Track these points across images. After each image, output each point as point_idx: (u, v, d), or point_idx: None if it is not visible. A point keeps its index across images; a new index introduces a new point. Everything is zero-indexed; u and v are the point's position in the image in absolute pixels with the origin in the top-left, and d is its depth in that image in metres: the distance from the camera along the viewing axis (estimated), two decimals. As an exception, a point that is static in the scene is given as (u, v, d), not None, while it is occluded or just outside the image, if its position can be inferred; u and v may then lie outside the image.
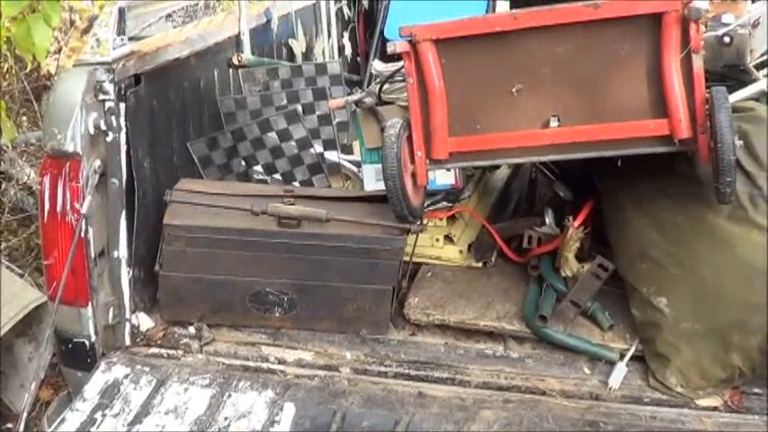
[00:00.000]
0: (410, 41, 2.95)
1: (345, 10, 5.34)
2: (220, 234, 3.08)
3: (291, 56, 4.59)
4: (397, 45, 2.97)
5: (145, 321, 3.21)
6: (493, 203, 3.83)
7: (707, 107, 2.79)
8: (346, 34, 5.27)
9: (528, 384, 2.99)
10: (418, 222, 3.16)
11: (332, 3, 5.03)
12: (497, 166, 3.90)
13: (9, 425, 3.94)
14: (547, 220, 3.49)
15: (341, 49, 5.13)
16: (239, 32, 3.98)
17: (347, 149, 3.89)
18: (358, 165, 3.76)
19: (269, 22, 4.35)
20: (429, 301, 3.27)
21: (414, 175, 3.07)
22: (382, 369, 3.07)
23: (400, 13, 5.29)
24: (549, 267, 3.34)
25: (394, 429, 2.77)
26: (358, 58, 5.42)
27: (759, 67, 3.37)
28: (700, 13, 2.73)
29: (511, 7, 5.07)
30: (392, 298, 3.19)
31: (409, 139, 3.05)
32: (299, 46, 4.61)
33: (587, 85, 2.89)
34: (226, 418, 2.81)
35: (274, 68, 3.97)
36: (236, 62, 3.87)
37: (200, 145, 3.62)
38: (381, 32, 5.21)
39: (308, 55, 4.72)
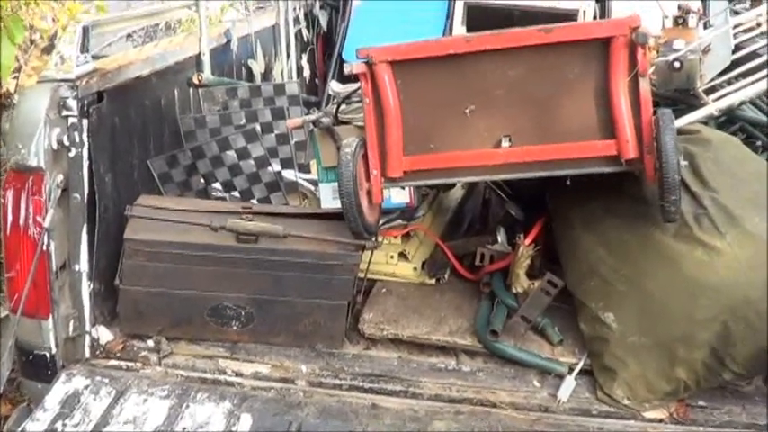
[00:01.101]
0: (367, 63, 3.05)
1: (304, 32, 5.43)
2: (180, 249, 3.14)
3: (251, 76, 4.66)
4: (353, 66, 3.06)
5: (104, 334, 3.26)
6: (447, 222, 3.92)
7: (653, 129, 2.90)
8: (305, 56, 5.35)
9: (479, 397, 3.07)
10: (373, 239, 3.23)
11: (291, 25, 5.11)
12: (451, 186, 4.00)
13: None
14: (499, 238, 3.59)
15: (299, 70, 5.21)
16: (200, 52, 4.04)
17: (304, 168, 3.96)
18: (315, 183, 3.83)
19: (229, 42, 4.42)
20: (383, 317, 3.35)
21: (369, 193, 3.15)
22: (337, 382, 3.13)
23: (358, 36, 5.41)
24: (500, 284, 3.43)
25: (348, 440, 2.84)
26: (316, 80, 5.53)
27: (708, 91, 3.50)
28: (646, 38, 2.86)
29: (468, 32, 5.22)
30: (347, 313, 3.26)
31: (365, 157, 3.14)
32: (258, 67, 4.68)
33: (538, 107, 3.01)
34: (184, 429, 2.87)
35: (234, 88, 4.04)
36: (196, 81, 3.93)
37: (161, 162, 3.67)
38: (339, 54, 5.32)
39: (267, 76, 4.80)
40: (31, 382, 3.23)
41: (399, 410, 3.00)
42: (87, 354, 3.21)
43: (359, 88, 3.49)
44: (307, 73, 5.31)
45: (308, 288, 3.19)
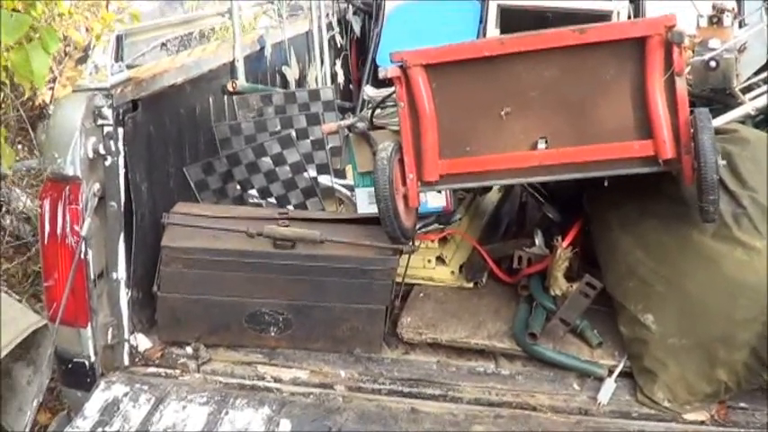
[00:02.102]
0: (401, 67, 3.04)
1: (338, 38, 5.44)
2: (217, 256, 3.15)
3: (285, 83, 4.67)
4: (388, 70, 3.05)
5: (143, 342, 3.27)
6: (484, 226, 3.90)
7: (691, 129, 2.87)
8: (338, 62, 5.35)
9: (518, 400, 3.05)
10: (410, 243, 3.22)
11: (324, 31, 5.11)
12: (488, 189, 3.98)
13: (9, 451, 3.96)
14: (536, 241, 3.56)
15: (333, 76, 5.21)
16: (234, 59, 4.05)
17: (340, 174, 3.96)
18: (351, 189, 3.84)
19: (262, 49, 4.43)
20: (421, 321, 3.34)
21: (405, 197, 3.14)
22: (376, 386, 3.12)
23: (392, 41, 5.39)
24: (538, 287, 3.41)
25: (388, 445, 2.83)
26: (350, 85, 5.52)
27: (745, 90, 3.46)
28: (682, 36, 2.83)
29: (502, 34, 5.19)
30: (385, 317, 3.25)
31: (401, 161, 3.13)
32: (292, 73, 4.69)
33: (574, 108, 2.99)
34: (223, 435, 2.87)
35: (268, 95, 4.05)
36: (230, 89, 3.95)
37: (197, 169, 3.69)
38: (374, 60, 5.31)
39: (300, 82, 4.81)
40: (71, 391, 3.25)
41: (438, 414, 2.98)
42: (126, 361, 3.22)
43: (393, 92, 3.50)
44: (341, 79, 5.31)
45: (346, 293, 3.18)
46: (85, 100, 3.01)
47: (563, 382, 3.14)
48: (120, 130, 3.08)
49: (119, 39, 3.14)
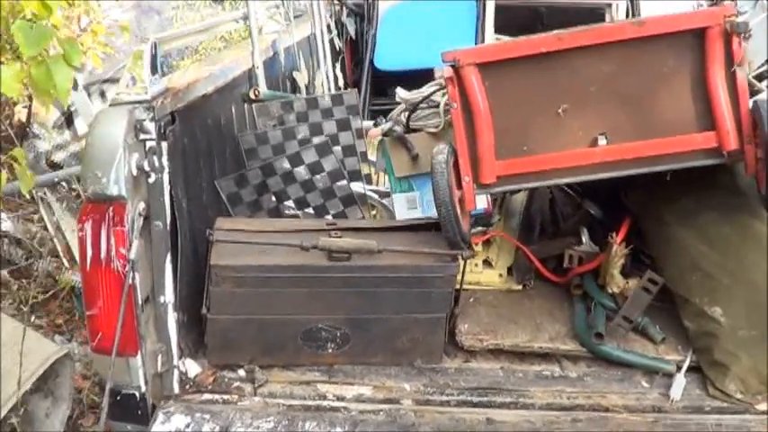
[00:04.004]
0: (453, 66, 2.94)
1: (336, 41, 5.32)
2: (270, 272, 3.00)
3: (294, 88, 4.54)
4: (444, 70, 2.96)
5: (192, 367, 3.10)
6: (519, 226, 3.80)
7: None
8: (338, 65, 5.23)
9: (591, 402, 2.98)
10: (468, 248, 3.12)
11: (326, 34, 4.99)
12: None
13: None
14: (583, 239, 3.49)
15: (335, 79, 5.09)
16: (253, 66, 3.91)
17: (369, 180, 3.85)
18: (383, 195, 3.73)
19: (276, 54, 4.29)
20: (479, 327, 3.24)
21: (461, 201, 3.05)
22: (444, 398, 3.01)
23: (387, 42, 5.32)
24: (594, 285, 3.35)
25: (471, 458, 2.73)
26: (347, 88, 5.39)
27: (758, 79, 3.44)
28: (745, 26, 2.78)
29: (497, 32, 5.15)
30: (446, 326, 3.15)
31: (455, 165, 3.03)
32: (302, 78, 4.56)
33: (634, 102, 2.92)
34: (299, 460, 2.74)
35: (289, 102, 3.89)
36: (252, 96, 3.80)
37: (229, 183, 3.54)
38: (371, 61, 5.22)
39: (309, 87, 4.68)
40: (120, 424, 3.04)
41: (516, 423, 2.89)
42: (177, 389, 3.05)
43: (431, 94, 3.41)
44: (341, 82, 5.18)
45: (406, 303, 3.06)
46: (126, 114, 2.82)
47: (632, 381, 3.09)
48: (164, 145, 2.91)
49: (154, 47, 2.96)
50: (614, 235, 3.28)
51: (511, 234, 3.67)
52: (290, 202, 3.64)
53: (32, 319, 4.82)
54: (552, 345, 3.17)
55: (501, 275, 3.57)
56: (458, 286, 3.21)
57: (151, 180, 2.91)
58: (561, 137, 2.97)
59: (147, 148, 2.89)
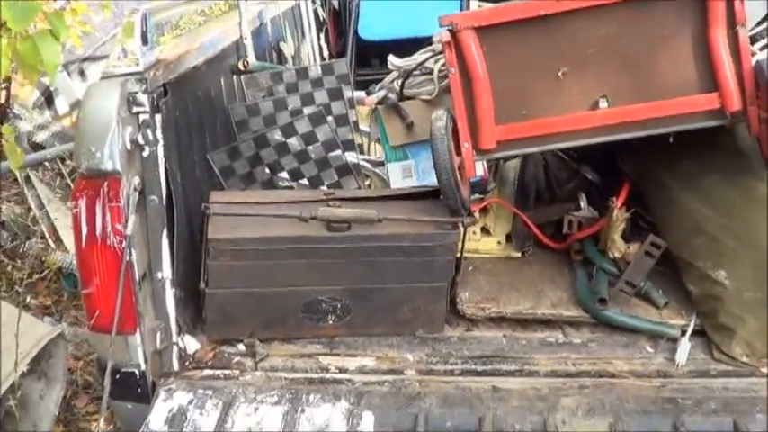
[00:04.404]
0: (450, 31, 2.89)
1: (320, 11, 5.24)
2: (269, 244, 2.94)
3: (280, 60, 4.46)
4: (442, 35, 2.91)
5: (191, 343, 3.05)
6: (514, 193, 3.76)
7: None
8: (322, 35, 5.15)
9: (596, 368, 2.96)
10: (470, 216, 3.08)
11: (309, 4, 4.90)
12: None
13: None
14: (582, 204, 3.46)
15: (320, 50, 5.02)
16: (241, 36, 3.83)
17: (362, 150, 3.79)
18: (378, 164, 3.68)
19: (262, 25, 4.21)
20: (480, 295, 3.21)
21: (461, 168, 3.00)
22: (448, 367, 2.98)
23: (372, 11, 5.24)
24: (595, 251, 3.32)
25: (480, 427, 2.69)
26: (332, 59, 5.33)
27: (751, 40, 3.40)
28: (745, -16, 2.74)
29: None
30: (447, 295, 3.11)
31: (455, 130, 2.99)
32: (288, 49, 4.48)
33: (635, 64, 2.87)
34: (305, 434, 2.70)
35: (278, 72, 3.81)
36: (241, 67, 3.73)
37: (221, 156, 3.47)
38: (355, 32, 5.15)
39: (295, 58, 4.60)
40: (120, 403, 2.99)
41: (522, 390, 2.85)
42: (176, 366, 2.99)
43: (426, 60, 3.36)
44: (326, 53, 5.11)
45: (407, 273, 3.02)
46: (119, 87, 2.74)
47: (636, 346, 3.06)
48: (158, 117, 2.85)
49: (145, 18, 2.88)
50: (614, 199, 3.24)
51: (509, 201, 3.63)
52: (284, 174, 3.58)
53: (28, 299, 4.75)
54: (555, 311, 3.14)
55: (499, 243, 3.54)
56: (458, 254, 3.16)
57: (145, 154, 2.85)
58: (561, 100, 2.93)
59: (140, 122, 2.81)
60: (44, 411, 3.73)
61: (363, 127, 3.82)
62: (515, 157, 3.51)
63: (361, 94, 3.76)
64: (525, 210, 3.59)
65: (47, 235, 5.31)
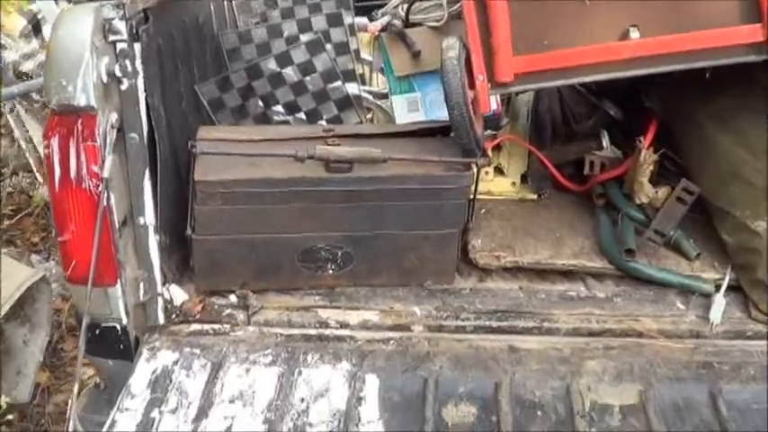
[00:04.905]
0: (464, -53, 2.58)
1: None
2: (262, 187, 2.65)
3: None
4: (453, -46, 2.60)
5: (178, 294, 2.79)
6: (528, 128, 3.47)
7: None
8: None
9: (622, 327, 2.69)
10: (483, 155, 2.79)
11: None
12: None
13: (10, 416, 3.57)
14: (604, 143, 3.18)
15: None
16: (229, -44, 3.52)
17: (363, 80, 3.50)
18: (380, 96, 3.41)
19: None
20: (494, 243, 2.94)
21: (474, 102, 2.71)
22: (460, 323, 2.71)
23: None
24: (620, 195, 3.05)
25: (496, 394, 2.43)
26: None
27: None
28: None
29: None
30: (458, 243, 2.84)
31: (467, 62, 2.68)
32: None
33: (670, -10, 2.56)
34: (302, 400, 2.42)
35: (273, -4, 3.52)
36: (233, -10, 3.42)
37: (210, 87, 3.18)
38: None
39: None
40: (101, 360, 2.77)
41: (542, 351, 2.60)
42: (162, 319, 2.74)
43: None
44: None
45: (414, 218, 2.75)
46: (93, 12, 2.44)
47: (665, 302, 2.80)
48: (137, 47, 2.54)
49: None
50: (642, 139, 2.95)
51: (523, 138, 3.34)
52: (278, 107, 3.29)
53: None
54: (577, 261, 2.87)
55: (514, 184, 3.28)
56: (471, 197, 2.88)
57: (123, 87, 2.55)
58: (587, 29, 2.62)
59: (117, 51, 2.52)
60: (29, 357, 3.53)
61: (365, 55, 3.54)
62: (536, 90, 3.21)
63: (363, 20, 3.45)
64: (541, 148, 3.30)
65: (34, 169, 5.06)
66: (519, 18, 2.62)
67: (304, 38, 3.36)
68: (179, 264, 2.85)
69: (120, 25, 2.49)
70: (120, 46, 2.51)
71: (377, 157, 2.66)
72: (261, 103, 3.30)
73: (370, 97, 3.44)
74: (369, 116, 3.43)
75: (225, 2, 3.52)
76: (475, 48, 2.66)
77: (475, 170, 2.78)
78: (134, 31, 2.54)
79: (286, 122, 3.30)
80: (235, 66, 3.32)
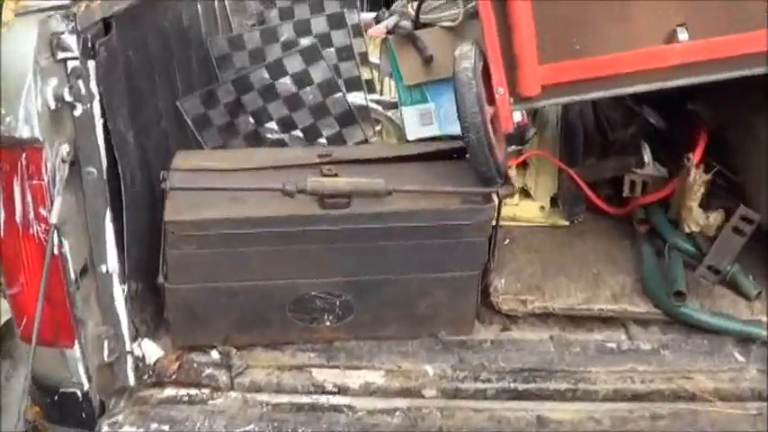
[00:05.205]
0: (481, -58, 2.23)
1: None
2: (243, 227, 2.30)
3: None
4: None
5: (151, 350, 2.43)
6: (557, 140, 3.05)
7: None
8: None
9: (672, 387, 2.32)
10: (506, 184, 2.40)
11: None
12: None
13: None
14: (645, 158, 2.78)
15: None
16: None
17: (370, 88, 3.16)
18: (391, 107, 3.08)
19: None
20: (520, 283, 2.59)
21: (493, 120, 2.33)
22: (480, 386, 2.33)
23: None
24: (665, 222, 2.71)
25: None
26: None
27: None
28: None
29: None
30: (478, 286, 2.48)
31: (485, 72, 2.31)
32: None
33: (725, -15, 2.18)
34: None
35: (270, -7, 3.18)
36: (224, -13, 3.08)
37: (194, 101, 2.84)
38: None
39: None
40: (61, 429, 2.44)
41: (576, 422, 2.23)
42: (132, 380, 2.37)
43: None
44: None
45: (425, 259, 2.39)
46: (37, 26, 2.06)
47: (722, 353, 2.43)
48: (91, 64, 2.17)
49: (72, -64, 2.19)
50: (690, 156, 2.56)
51: (552, 152, 2.94)
52: (272, 124, 2.95)
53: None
54: (617, 306, 2.51)
55: (543, 208, 2.92)
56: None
57: (77, 113, 2.17)
58: (627, 32, 2.25)
59: (68, 71, 2.13)
60: (13, 394, 3.31)
61: (373, 58, 3.22)
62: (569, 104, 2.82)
63: (370, 15, 3.19)
64: (573, 163, 2.90)
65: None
66: (545, 20, 2.26)
67: (303, 42, 3.04)
68: (153, 315, 2.50)
69: (71, 40, 2.11)
70: (71, 65, 2.13)
71: (379, 190, 2.30)
72: (252, 119, 2.97)
73: (379, 108, 3.11)
74: (378, 128, 3.10)
75: (216, 2, 3.17)
76: (493, 56, 2.29)
77: (496, 202, 2.40)
78: (89, 45, 2.17)
79: (281, 141, 2.96)
80: (225, 76, 3.00)
